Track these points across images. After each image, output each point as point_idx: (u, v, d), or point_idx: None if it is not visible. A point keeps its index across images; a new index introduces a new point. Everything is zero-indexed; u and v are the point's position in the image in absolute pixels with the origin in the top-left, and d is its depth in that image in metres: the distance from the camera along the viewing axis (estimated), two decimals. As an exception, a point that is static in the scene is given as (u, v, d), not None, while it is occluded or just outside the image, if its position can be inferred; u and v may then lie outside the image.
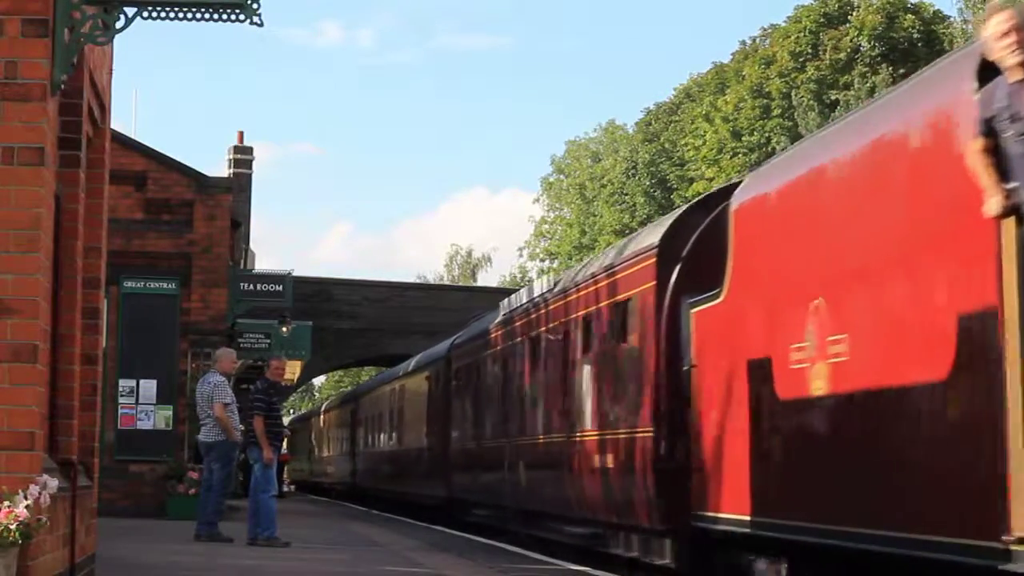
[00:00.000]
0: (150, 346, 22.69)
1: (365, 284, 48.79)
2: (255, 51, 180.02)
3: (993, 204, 7.30)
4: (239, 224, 28.37)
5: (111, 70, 10.94)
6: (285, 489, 50.63)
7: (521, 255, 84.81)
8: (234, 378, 22.05)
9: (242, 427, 16.94)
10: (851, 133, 9.97)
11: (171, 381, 22.83)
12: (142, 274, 23.03)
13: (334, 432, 51.52)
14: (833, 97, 48.59)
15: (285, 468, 55.24)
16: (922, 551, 8.17)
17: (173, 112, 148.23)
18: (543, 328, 19.26)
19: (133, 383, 22.69)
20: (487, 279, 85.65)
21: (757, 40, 60.65)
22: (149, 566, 12.69)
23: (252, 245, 38.54)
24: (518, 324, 21.07)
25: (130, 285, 22.87)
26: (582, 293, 17.27)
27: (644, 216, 61.75)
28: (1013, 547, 7.14)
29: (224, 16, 8.41)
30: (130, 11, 8.33)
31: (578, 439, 16.89)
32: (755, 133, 55.08)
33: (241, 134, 37.78)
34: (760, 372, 10.85)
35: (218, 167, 66.41)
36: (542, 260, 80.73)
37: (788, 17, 55.79)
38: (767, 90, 54.69)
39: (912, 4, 52.78)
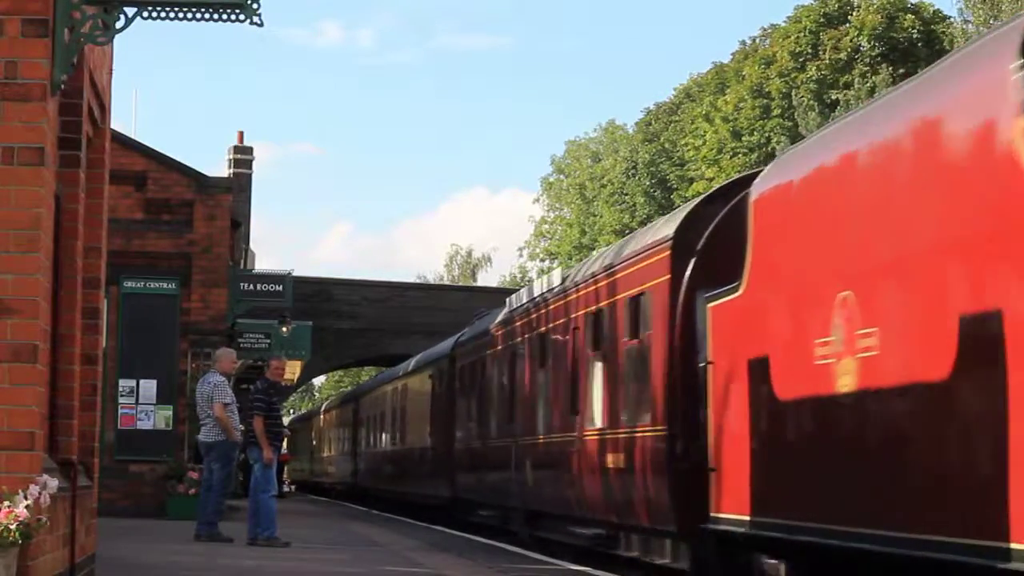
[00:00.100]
0: (150, 346, 22.70)
1: (365, 284, 48.78)
2: (255, 51, 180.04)
3: None
4: (239, 224, 28.36)
5: (111, 70, 10.94)
6: (285, 489, 50.64)
7: (521, 255, 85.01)
8: (234, 378, 22.05)
9: (242, 427, 16.92)
10: (884, 117, 9.45)
11: (171, 381, 22.82)
12: (142, 274, 23.03)
13: (335, 432, 51.41)
14: (833, 97, 48.56)
15: (285, 468, 55.26)
16: (975, 557, 7.65)
17: (173, 112, 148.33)
18: (552, 324, 18.82)
19: (133, 383, 22.69)
20: (487, 279, 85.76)
21: (757, 40, 60.68)
22: (149, 566, 12.70)
23: (252, 245, 38.55)
24: (525, 321, 20.66)
25: (130, 285, 22.87)
26: (593, 288, 16.75)
27: (644, 216, 61.71)
28: None
29: (224, 16, 8.42)
30: (130, 11, 8.33)
31: (588, 438, 16.53)
32: (755, 133, 55.07)
33: (241, 134, 37.84)
34: (782, 368, 10.46)
35: (218, 167, 66.34)
36: (542, 260, 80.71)
37: (788, 17, 55.85)
38: (767, 90, 54.68)
39: (912, 4, 52.79)
